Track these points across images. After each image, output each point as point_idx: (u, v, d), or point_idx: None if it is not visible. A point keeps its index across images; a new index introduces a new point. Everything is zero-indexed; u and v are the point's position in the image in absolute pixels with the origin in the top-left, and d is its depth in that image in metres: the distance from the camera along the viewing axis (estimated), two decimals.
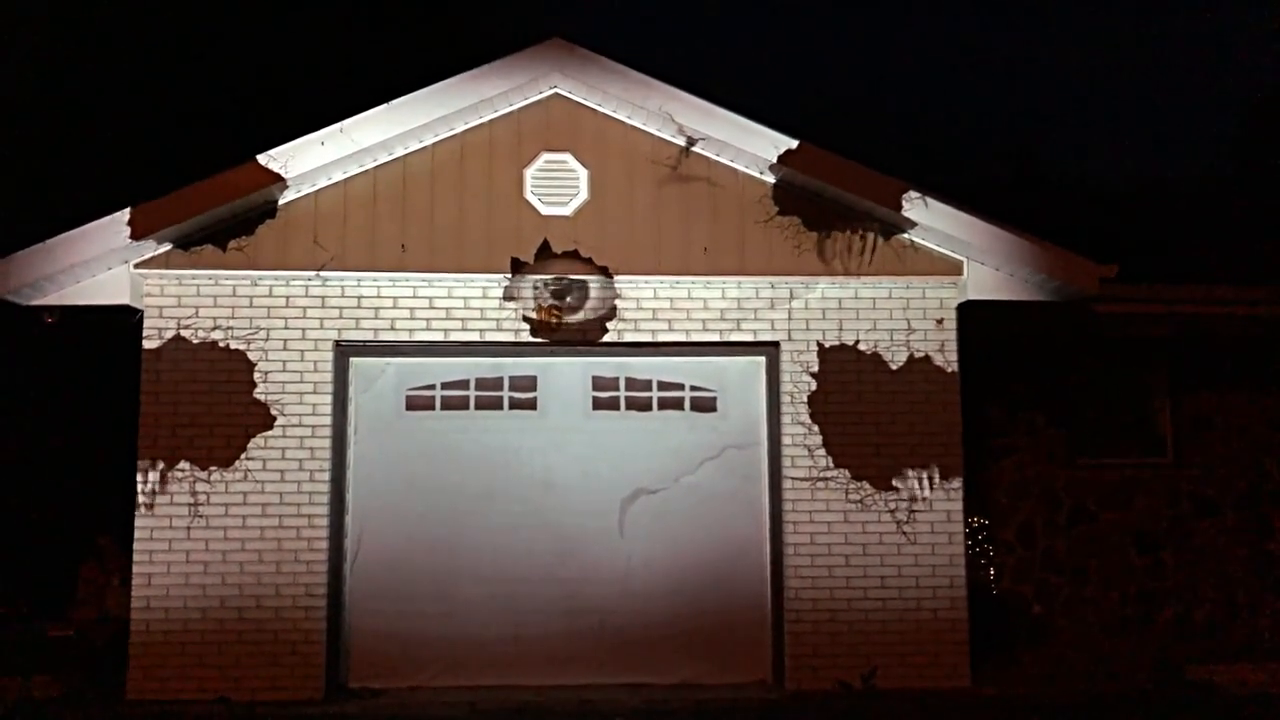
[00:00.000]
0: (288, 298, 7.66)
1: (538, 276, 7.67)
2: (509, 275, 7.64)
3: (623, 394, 8.01)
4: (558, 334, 7.74)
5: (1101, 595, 9.27)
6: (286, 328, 7.63)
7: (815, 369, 7.82)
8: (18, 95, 10.97)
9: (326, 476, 7.53)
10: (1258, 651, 8.92)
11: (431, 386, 7.96)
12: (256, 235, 7.57)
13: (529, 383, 7.99)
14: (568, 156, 7.76)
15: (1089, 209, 11.02)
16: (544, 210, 7.71)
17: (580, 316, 7.75)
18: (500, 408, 7.97)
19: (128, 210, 7.27)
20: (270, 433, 7.52)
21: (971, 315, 8.03)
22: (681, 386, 8.03)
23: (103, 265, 7.45)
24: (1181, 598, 9.32)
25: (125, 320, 7.79)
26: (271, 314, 7.64)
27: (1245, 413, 9.54)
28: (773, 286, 7.84)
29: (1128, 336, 9.14)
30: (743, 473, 7.93)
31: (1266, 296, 8.61)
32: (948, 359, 7.87)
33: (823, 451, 7.74)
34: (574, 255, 7.67)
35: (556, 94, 7.76)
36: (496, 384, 7.99)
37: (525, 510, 7.87)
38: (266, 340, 7.61)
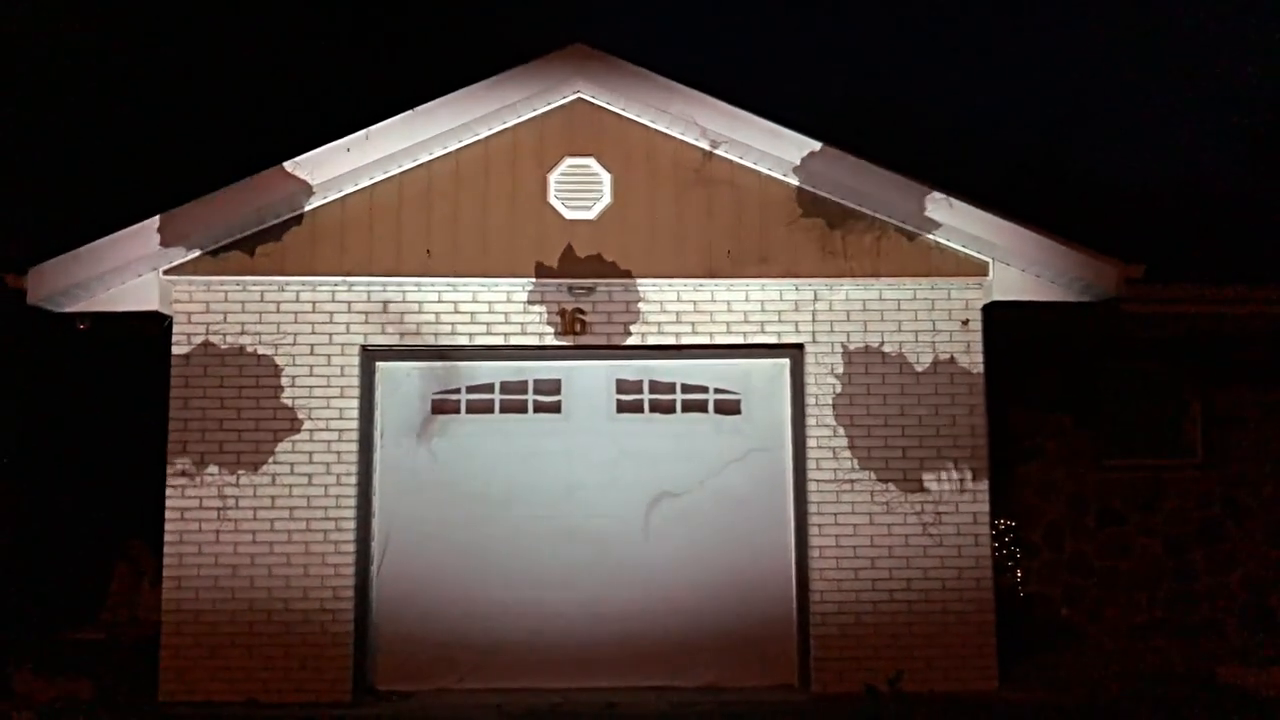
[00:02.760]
0: (314, 303, 7.72)
1: (562, 280, 7.70)
2: (533, 279, 7.67)
3: (646, 397, 8.03)
4: (582, 337, 7.76)
5: (1130, 598, 9.21)
6: (313, 333, 7.70)
7: (840, 371, 7.80)
8: (47, 103, 11.11)
9: (353, 480, 7.59)
10: None
11: (457, 390, 8.00)
12: (284, 241, 7.64)
13: (553, 386, 8.02)
14: (591, 161, 7.78)
15: (1116, 208, 10.94)
16: (568, 214, 7.74)
17: (604, 320, 7.78)
18: (525, 411, 8.00)
19: (157, 217, 7.36)
20: (297, 437, 7.59)
21: (997, 316, 7.98)
22: (705, 389, 8.03)
23: (133, 272, 7.53)
24: (1212, 600, 9.24)
25: (155, 326, 7.87)
26: (299, 319, 7.70)
27: (1275, 412, 9.45)
28: (796, 289, 7.83)
29: (1155, 336, 9.07)
30: (767, 475, 7.92)
31: None
32: (973, 360, 7.84)
33: (848, 454, 7.72)
34: (598, 259, 7.69)
35: (580, 98, 7.79)
36: (521, 387, 8.02)
37: (550, 513, 7.90)
38: (294, 345, 7.68)
